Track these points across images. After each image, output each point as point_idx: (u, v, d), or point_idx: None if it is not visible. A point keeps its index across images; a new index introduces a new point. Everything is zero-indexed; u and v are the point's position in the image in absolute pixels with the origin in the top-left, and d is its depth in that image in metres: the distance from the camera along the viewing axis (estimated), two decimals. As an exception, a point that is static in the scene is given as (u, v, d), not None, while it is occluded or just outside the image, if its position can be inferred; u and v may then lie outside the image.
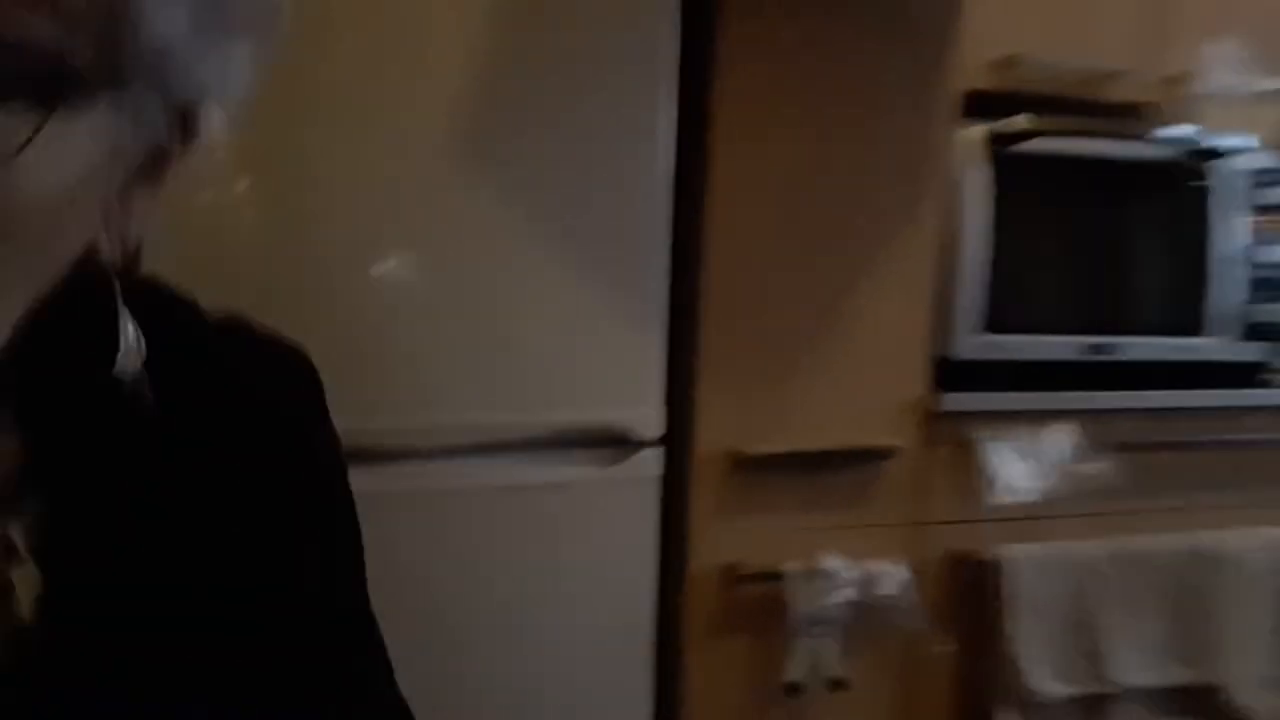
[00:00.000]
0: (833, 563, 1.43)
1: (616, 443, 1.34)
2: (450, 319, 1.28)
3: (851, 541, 1.45)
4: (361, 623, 0.57)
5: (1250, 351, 1.74)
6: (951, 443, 1.51)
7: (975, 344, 1.56)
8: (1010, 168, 1.58)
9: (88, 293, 0.44)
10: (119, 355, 0.47)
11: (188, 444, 0.50)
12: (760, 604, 1.42)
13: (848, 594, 1.43)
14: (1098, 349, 1.65)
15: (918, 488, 1.50)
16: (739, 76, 1.32)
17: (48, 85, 0.35)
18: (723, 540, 1.42)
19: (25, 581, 0.47)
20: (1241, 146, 1.72)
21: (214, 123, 0.43)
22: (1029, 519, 1.53)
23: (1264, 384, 1.74)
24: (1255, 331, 1.73)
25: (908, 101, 1.40)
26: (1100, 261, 1.69)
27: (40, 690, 0.45)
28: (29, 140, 0.35)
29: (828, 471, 1.45)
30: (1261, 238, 1.72)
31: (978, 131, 1.55)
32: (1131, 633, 1.57)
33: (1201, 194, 1.69)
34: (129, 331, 0.48)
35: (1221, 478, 1.66)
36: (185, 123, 0.42)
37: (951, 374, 1.53)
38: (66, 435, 0.47)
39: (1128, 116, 1.76)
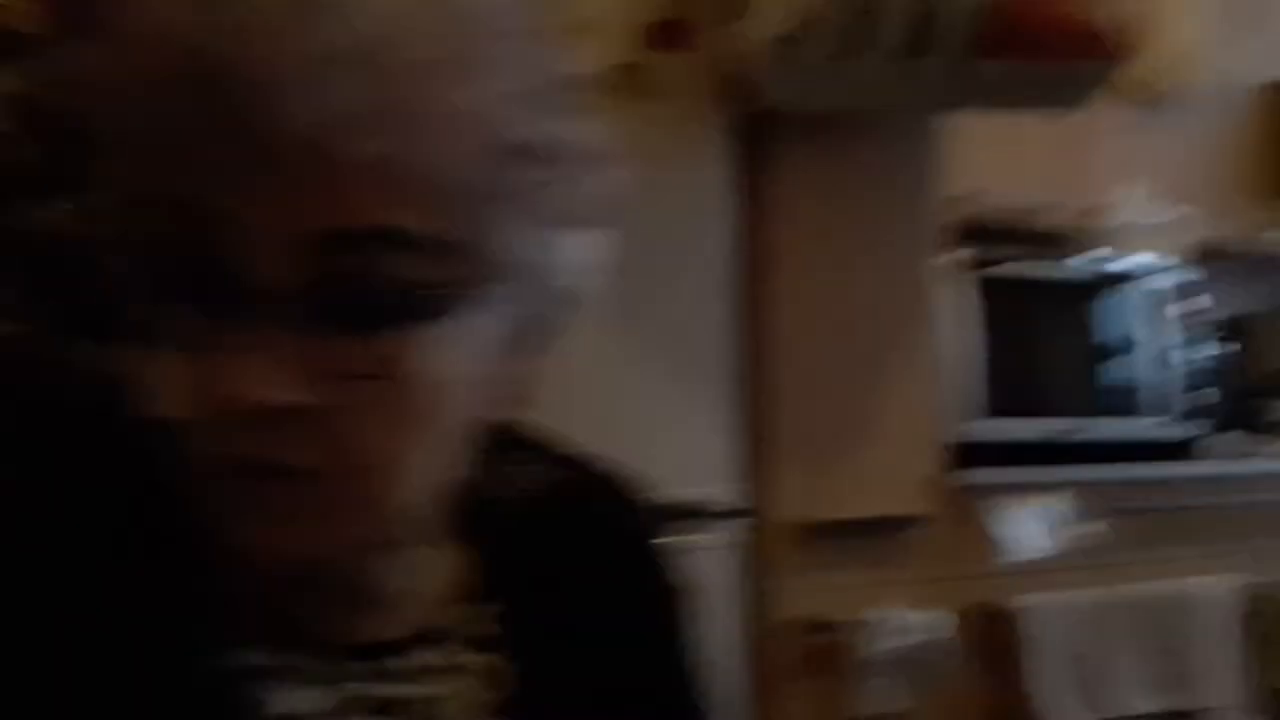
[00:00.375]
0: (885, 613, 1.70)
1: (699, 515, 1.61)
2: (549, 410, 1.55)
3: (898, 595, 1.73)
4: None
5: (1188, 430, 2.11)
6: (968, 510, 1.82)
7: (971, 430, 1.89)
8: (988, 286, 1.96)
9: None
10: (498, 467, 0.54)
11: (567, 565, 0.59)
12: (826, 651, 1.68)
13: (899, 640, 1.69)
14: (1067, 430, 1.99)
15: (946, 549, 1.80)
16: (788, 207, 1.67)
17: (429, 308, 0.42)
18: (792, 596, 1.68)
19: (492, 669, 0.54)
20: (1162, 264, 2.14)
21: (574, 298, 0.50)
22: (1037, 572, 1.84)
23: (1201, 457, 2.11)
24: (1192, 413, 2.10)
25: (908, 231, 1.76)
26: (1062, 358, 2.06)
27: None
28: (417, 352, 0.42)
29: (874, 535, 1.74)
30: (1191, 337, 2.11)
31: (959, 256, 1.93)
32: (1128, 667, 1.86)
33: (1141, 301, 2.09)
34: (513, 457, 0.56)
35: (1184, 534, 2.00)
36: (547, 302, 0.49)
37: (961, 453, 1.85)
38: (502, 551, 0.56)
39: (1058, 242, 2.17)
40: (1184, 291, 2.14)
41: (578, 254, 0.47)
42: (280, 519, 0.43)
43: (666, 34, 1.56)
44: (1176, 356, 2.10)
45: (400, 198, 0.41)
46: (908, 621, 1.71)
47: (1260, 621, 2.00)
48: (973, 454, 1.87)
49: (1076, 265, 2.08)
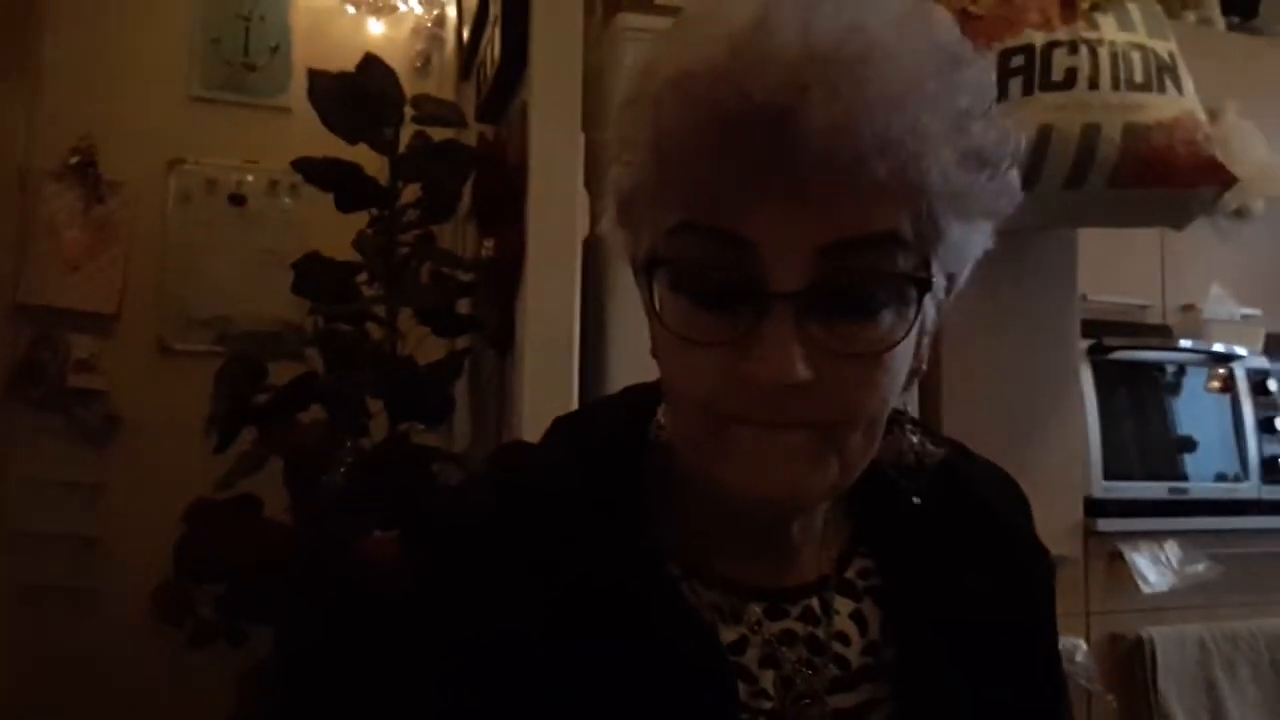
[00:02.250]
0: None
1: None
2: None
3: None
4: None
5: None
6: (1103, 553, 2.16)
7: (1101, 487, 2.25)
8: (1104, 369, 2.34)
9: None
10: (897, 441, 0.64)
11: (956, 537, 0.65)
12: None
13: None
14: (1175, 490, 2.35)
15: (1083, 585, 2.14)
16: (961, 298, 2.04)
17: (910, 294, 0.52)
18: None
19: (870, 615, 0.63)
20: (1243, 353, 2.52)
21: (962, 279, 0.58)
22: (1162, 609, 2.17)
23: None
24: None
25: (1055, 322, 2.13)
26: (1168, 431, 2.43)
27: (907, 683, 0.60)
28: (905, 334, 0.53)
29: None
30: (1266, 413, 2.49)
31: (1083, 345, 2.31)
32: (1242, 694, 2.18)
33: (1226, 382, 2.47)
34: (909, 432, 0.65)
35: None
36: (951, 284, 0.58)
37: (1094, 506, 2.21)
38: (883, 521, 0.65)
39: (1160, 333, 2.56)
40: (1259, 375, 2.53)
41: (980, 241, 0.56)
42: (808, 465, 0.53)
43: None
44: (1254, 428, 2.48)
45: (898, 206, 0.50)
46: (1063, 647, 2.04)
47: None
48: (1101, 507, 2.23)
49: (1176, 353, 2.46)
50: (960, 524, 0.65)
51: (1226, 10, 2.90)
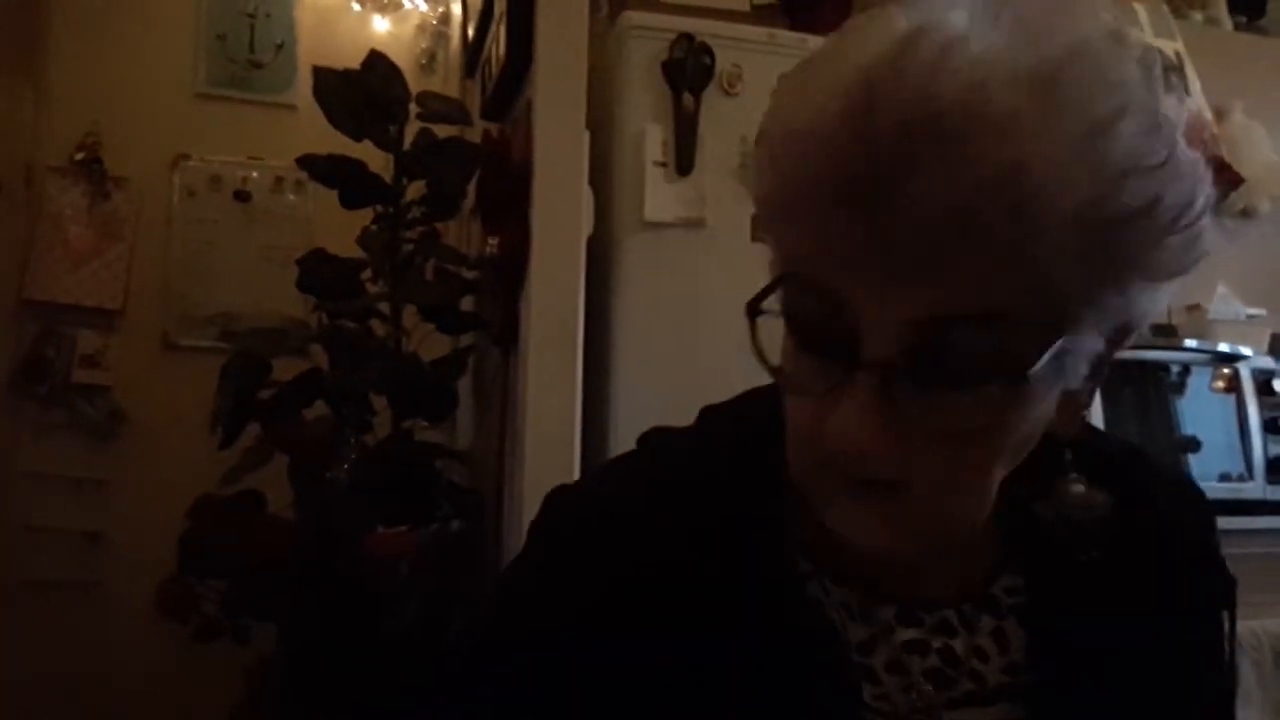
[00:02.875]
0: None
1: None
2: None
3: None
4: None
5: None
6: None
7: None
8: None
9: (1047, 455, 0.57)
10: (1060, 497, 0.60)
11: (1130, 568, 0.62)
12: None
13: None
14: (1180, 492, 2.35)
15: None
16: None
17: (1013, 371, 0.48)
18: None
19: (1013, 634, 0.61)
20: (1248, 353, 2.51)
21: (1140, 331, 0.54)
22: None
23: None
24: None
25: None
26: (1172, 431, 2.43)
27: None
28: (1010, 410, 0.50)
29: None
30: (1271, 413, 2.48)
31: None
32: (1247, 695, 2.18)
33: (1232, 382, 2.46)
34: (1073, 485, 0.60)
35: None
36: (1121, 337, 0.53)
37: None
38: (1034, 543, 0.62)
39: (1165, 333, 2.55)
40: (1265, 375, 2.52)
41: (1161, 300, 0.52)
42: (882, 519, 0.52)
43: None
44: (1258, 428, 2.47)
45: (1009, 284, 0.46)
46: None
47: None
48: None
49: (1181, 353, 2.46)
50: (1129, 553, 0.63)
51: (1233, 10, 2.89)
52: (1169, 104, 0.50)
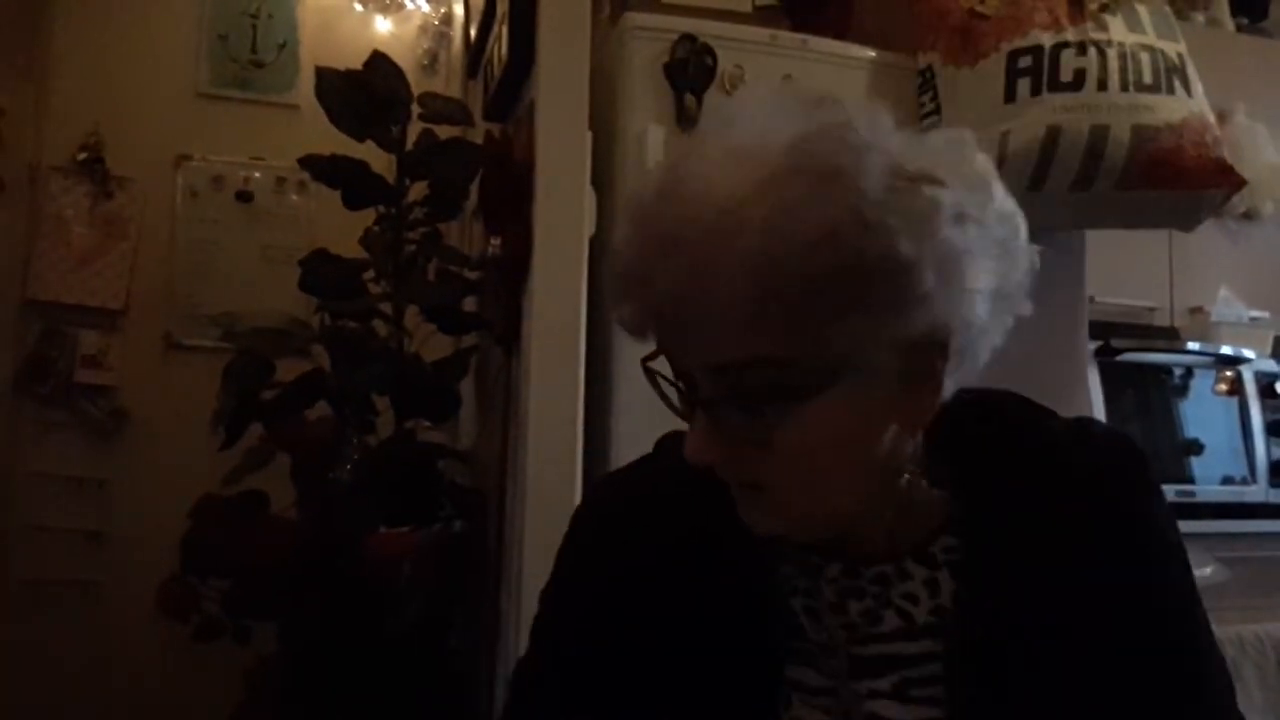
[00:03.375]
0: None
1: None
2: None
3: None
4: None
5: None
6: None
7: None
8: (1112, 371, 2.33)
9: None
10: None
11: (1036, 509, 0.73)
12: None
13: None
14: (1182, 493, 2.35)
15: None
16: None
17: (791, 395, 0.65)
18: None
19: (944, 583, 0.73)
20: (1251, 355, 2.51)
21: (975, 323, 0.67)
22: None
23: None
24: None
25: (1065, 323, 2.13)
26: (1175, 433, 2.43)
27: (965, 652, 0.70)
28: (790, 422, 0.65)
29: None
30: (1274, 415, 2.48)
31: (1090, 346, 2.30)
32: (1248, 698, 2.17)
33: (1234, 384, 2.46)
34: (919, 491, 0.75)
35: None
36: (933, 345, 0.67)
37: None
38: (971, 509, 0.74)
39: (1167, 335, 2.55)
40: (1268, 378, 2.52)
41: (962, 301, 0.65)
42: (760, 512, 0.71)
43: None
44: (1261, 431, 2.47)
45: (761, 334, 0.63)
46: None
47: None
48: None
49: (1183, 356, 2.46)
50: (1054, 515, 0.73)
51: (1236, 12, 2.89)
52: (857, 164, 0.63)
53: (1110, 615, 0.71)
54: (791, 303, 0.61)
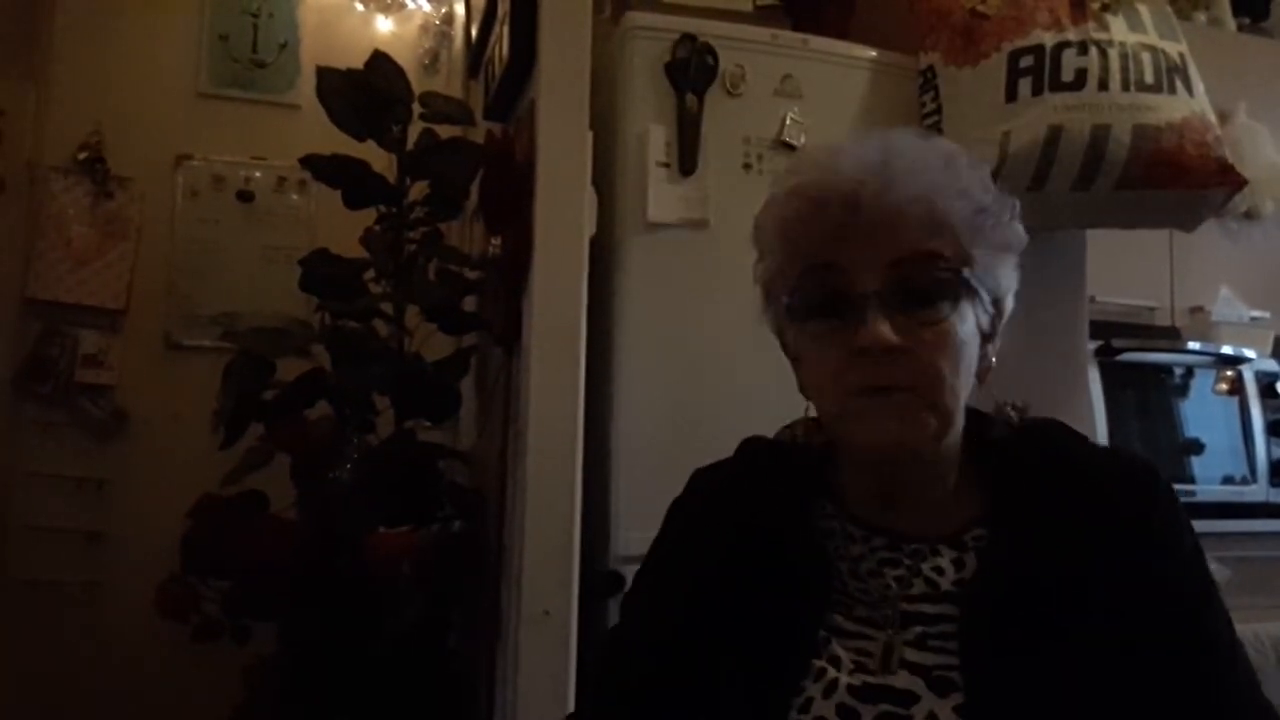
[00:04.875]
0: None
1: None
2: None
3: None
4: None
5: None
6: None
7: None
8: (1112, 371, 2.33)
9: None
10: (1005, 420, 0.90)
11: (1063, 525, 0.82)
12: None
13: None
14: (1182, 493, 2.34)
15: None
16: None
17: (953, 293, 0.81)
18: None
19: (969, 562, 0.84)
20: (1251, 355, 2.51)
21: (1007, 307, 0.87)
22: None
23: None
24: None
25: (1066, 320, 2.12)
26: (1175, 433, 2.42)
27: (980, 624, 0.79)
28: (956, 314, 0.81)
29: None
30: (1274, 415, 2.48)
31: (1090, 345, 2.30)
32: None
33: (1234, 383, 2.46)
34: (1010, 414, 0.90)
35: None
36: (999, 310, 0.87)
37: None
38: (1001, 503, 0.86)
39: (1167, 335, 2.55)
40: (1268, 377, 2.52)
41: (1008, 273, 0.86)
42: (898, 418, 0.81)
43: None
44: (1262, 431, 2.47)
45: (935, 238, 0.82)
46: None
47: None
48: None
49: (1184, 355, 2.46)
50: (1073, 514, 0.82)
51: (1237, 12, 2.89)
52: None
53: (1127, 598, 0.79)
54: (962, 215, 0.82)
